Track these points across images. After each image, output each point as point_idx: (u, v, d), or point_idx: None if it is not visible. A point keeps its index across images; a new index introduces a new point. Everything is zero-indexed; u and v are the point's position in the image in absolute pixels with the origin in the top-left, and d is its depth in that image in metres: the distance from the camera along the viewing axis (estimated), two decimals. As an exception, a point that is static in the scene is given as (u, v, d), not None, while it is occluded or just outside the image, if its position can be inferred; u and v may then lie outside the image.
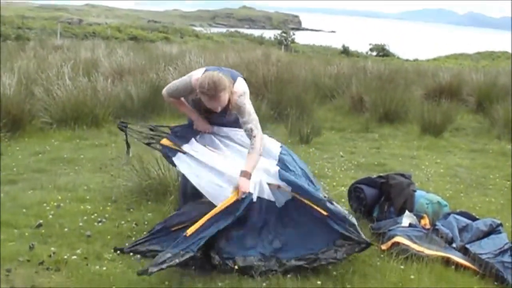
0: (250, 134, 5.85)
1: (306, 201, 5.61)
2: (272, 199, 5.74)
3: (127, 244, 5.96)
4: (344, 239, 5.50)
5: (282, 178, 5.72)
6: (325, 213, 5.53)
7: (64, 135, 11.55)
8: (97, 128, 12.15)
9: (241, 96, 5.92)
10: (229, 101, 5.88)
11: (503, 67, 28.65)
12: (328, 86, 17.55)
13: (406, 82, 18.63)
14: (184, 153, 6.01)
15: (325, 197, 5.81)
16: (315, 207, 5.56)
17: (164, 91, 6.27)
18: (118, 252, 5.82)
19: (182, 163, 6.00)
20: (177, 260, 5.06)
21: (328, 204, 5.59)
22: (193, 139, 6.18)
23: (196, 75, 5.96)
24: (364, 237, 5.54)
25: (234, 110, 5.95)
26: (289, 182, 5.68)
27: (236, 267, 5.34)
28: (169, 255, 5.06)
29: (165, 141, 6.20)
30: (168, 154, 6.13)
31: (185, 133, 6.26)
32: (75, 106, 12.14)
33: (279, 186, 5.71)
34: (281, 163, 6.02)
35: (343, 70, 19.77)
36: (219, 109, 5.88)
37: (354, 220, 5.71)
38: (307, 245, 5.56)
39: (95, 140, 11.30)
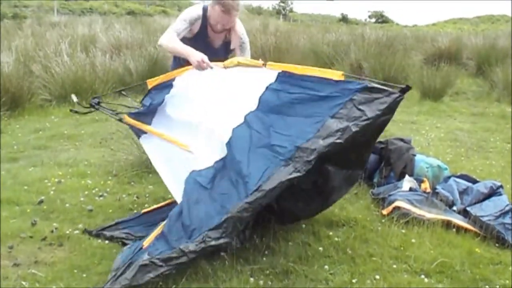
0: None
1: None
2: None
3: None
4: (369, 92, 4.55)
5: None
6: (338, 78, 4.73)
7: (63, 111, 11.55)
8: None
9: (245, 33, 6.08)
10: (229, 34, 6.04)
11: (503, 30, 28.51)
12: (327, 54, 17.49)
13: (405, 47, 18.59)
14: (145, 132, 5.62)
15: None
16: (323, 75, 4.81)
17: (165, 37, 5.89)
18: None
19: (148, 144, 5.61)
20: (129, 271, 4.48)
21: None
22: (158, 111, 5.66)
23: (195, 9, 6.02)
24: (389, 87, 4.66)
25: (236, 43, 6.06)
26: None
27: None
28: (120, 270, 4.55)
29: (127, 119, 5.70)
30: (136, 132, 5.75)
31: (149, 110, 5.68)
32: (74, 82, 12.13)
33: (265, 65, 5.22)
34: None
35: (341, 37, 19.68)
36: (222, 28, 5.90)
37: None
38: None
39: (95, 115, 11.25)
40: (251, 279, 4.75)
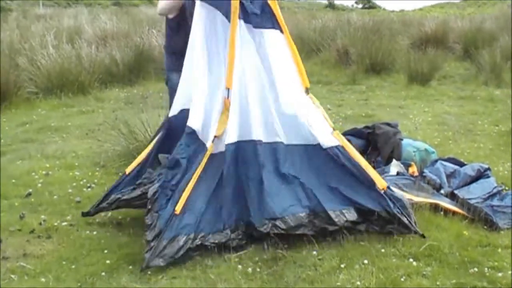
0: None
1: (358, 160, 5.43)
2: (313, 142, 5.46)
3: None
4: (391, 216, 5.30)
5: None
6: (382, 187, 5.32)
7: (50, 104, 11.52)
8: (83, 95, 12.11)
9: None
10: None
11: (489, 13, 28.57)
12: (313, 40, 17.47)
13: (392, 32, 18.56)
14: None
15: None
16: (374, 176, 5.35)
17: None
18: (109, 214, 5.91)
19: (200, 11, 5.61)
20: (175, 250, 4.82)
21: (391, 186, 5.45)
22: None
23: None
24: (416, 227, 5.32)
25: None
26: None
27: (285, 227, 5.08)
28: (164, 242, 4.79)
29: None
30: None
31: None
32: (60, 74, 12.08)
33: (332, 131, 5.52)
34: None
35: (327, 23, 19.65)
36: None
37: (410, 209, 5.42)
38: (352, 198, 5.30)
39: (82, 107, 11.27)
40: (239, 266, 4.77)
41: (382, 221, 5.30)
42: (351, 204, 5.26)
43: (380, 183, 5.31)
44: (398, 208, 5.26)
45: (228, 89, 5.28)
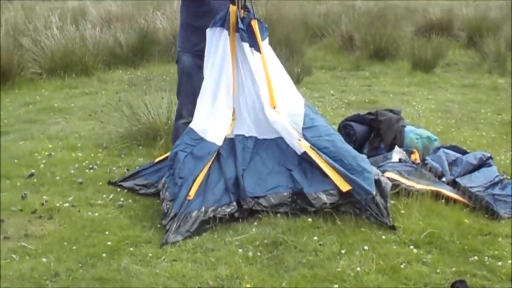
0: None
1: (323, 166, 5.59)
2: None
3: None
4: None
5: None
6: (345, 189, 5.45)
7: (54, 84, 11.48)
8: (87, 76, 12.07)
9: None
10: None
11: (494, 1, 28.48)
12: (317, 25, 17.35)
13: (396, 18, 18.43)
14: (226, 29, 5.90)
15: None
16: (336, 180, 5.49)
17: None
18: (111, 196, 6.00)
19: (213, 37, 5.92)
20: (190, 224, 5.20)
21: (355, 177, 5.50)
22: None
23: None
24: (386, 219, 5.35)
25: None
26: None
27: (267, 205, 5.46)
28: (179, 221, 5.17)
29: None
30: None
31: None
32: (64, 55, 12.03)
33: (299, 140, 5.72)
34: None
35: (332, 8, 19.54)
36: None
37: (382, 201, 5.47)
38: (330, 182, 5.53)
39: (85, 88, 11.24)
40: (240, 250, 4.81)
41: (363, 206, 5.42)
42: (333, 184, 5.50)
43: (343, 186, 5.45)
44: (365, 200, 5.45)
45: (233, 95, 5.85)
